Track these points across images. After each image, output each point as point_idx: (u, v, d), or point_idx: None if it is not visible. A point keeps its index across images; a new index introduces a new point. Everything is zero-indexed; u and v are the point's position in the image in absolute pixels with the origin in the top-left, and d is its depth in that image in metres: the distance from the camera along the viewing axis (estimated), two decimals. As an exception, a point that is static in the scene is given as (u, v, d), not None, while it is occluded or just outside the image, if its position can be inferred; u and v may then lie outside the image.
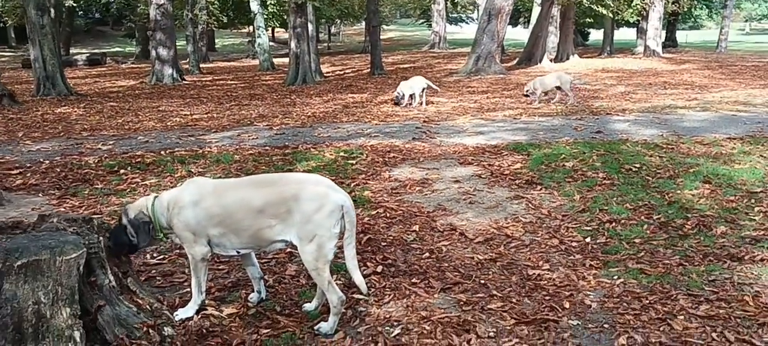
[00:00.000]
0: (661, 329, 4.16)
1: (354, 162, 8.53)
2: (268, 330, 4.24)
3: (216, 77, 27.58)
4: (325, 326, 4.26)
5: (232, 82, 25.09)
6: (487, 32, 25.26)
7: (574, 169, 7.88)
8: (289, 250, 5.46)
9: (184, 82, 25.36)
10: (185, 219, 4.32)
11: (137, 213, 4.48)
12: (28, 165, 8.89)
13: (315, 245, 4.11)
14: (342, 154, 9.00)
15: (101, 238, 4.34)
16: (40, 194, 7.47)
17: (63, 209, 6.80)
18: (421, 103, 15.05)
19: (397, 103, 15.10)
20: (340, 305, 4.22)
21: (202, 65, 32.27)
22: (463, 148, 9.44)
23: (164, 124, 12.74)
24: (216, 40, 52.60)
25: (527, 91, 15.21)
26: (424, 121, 12.24)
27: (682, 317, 4.29)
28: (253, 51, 40.35)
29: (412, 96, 15.18)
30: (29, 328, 3.84)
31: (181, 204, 4.35)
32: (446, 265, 5.25)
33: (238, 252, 4.52)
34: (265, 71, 30.43)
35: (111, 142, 10.57)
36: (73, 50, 43.08)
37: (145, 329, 4.17)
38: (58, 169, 8.60)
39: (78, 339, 3.91)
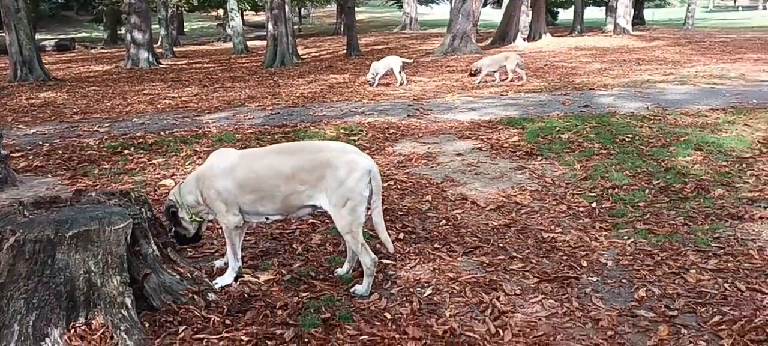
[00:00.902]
0: (676, 282, 4.46)
1: (356, 138, 8.73)
2: (307, 293, 4.44)
3: (191, 61, 27.42)
4: (360, 288, 4.48)
5: (209, 65, 24.99)
6: (463, 12, 25.50)
7: (570, 141, 8.18)
8: (311, 221, 5.66)
9: (160, 65, 25.19)
10: (216, 189, 4.50)
11: (166, 204, 4.72)
12: (29, 148, 8.92)
13: (348, 209, 4.32)
14: (342, 131, 9.19)
15: (142, 209, 4.51)
16: (49, 175, 7.55)
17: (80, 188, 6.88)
18: (403, 82, 15.18)
19: (371, 84, 15.18)
20: (373, 266, 4.44)
21: (174, 49, 32.00)
22: (459, 123, 9.68)
23: (155, 107, 12.78)
24: (184, 24, 52.03)
25: (476, 70, 15.32)
26: (414, 99, 12.46)
27: (694, 270, 4.59)
28: (224, 34, 40.05)
29: (388, 73, 15.29)
30: (81, 296, 4.00)
31: (210, 175, 4.54)
32: (464, 231, 5.50)
33: (267, 219, 4.71)
34: (239, 54, 30.26)
35: (106, 125, 10.61)
36: (38, 36, 42.24)
37: (190, 295, 4.36)
38: (61, 152, 8.66)
39: (129, 305, 4.08)
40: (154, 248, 4.46)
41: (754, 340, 3.70)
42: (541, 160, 7.50)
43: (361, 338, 3.90)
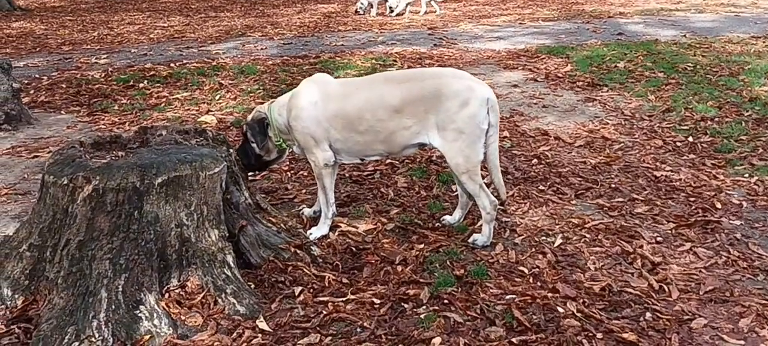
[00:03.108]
0: (834, 224, 4.00)
1: (394, 70, 8.03)
2: (422, 246, 3.87)
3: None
4: (480, 238, 3.93)
5: (176, -8, 23.51)
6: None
7: (628, 71, 7.64)
8: (389, 161, 5.05)
9: (128, -7, 23.67)
10: (305, 121, 3.87)
11: (254, 115, 4.05)
12: (26, 82, 8.02)
13: (464, 146, 3.73)
14: (373, 61, 8.48)
15: (231, 149, 3.85)
16: (62, 112, 6.74)
17: (104, 126, 6.13)
18: (403, 13, 14.22)
19: (361, 13, 14.29)
20: (494, 211, 3.88)
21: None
22: (495, 52, 9.04)
23: (148, 37, 11.81)
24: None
25: (359, 7, 14.27)
26: (429, 29, 11.72)
27: None
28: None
29: (383, 3, 14.35)
30: (173, 254, 3.38)
31: (301, 105, 3.90)
32: (562, 170, 4.96)
33: (363, 159, 4.11)
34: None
35: (104, 57, 9.69)
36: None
37: (292, 249, 3.74)
38: (64, 86, 7.80)
39: (231, 263, 3.48)
40: (247, 195, 3.82)
41: None
42: (608, 91, 6.94)
43: (507, 297, 3.37)
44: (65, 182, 3.26)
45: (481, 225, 3.95)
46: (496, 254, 3.81)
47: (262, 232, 3.77)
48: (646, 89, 6.84)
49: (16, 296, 3.37)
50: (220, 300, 3.33)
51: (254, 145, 4.04)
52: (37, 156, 5.32)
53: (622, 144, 5.45)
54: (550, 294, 3.38)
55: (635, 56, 8.24)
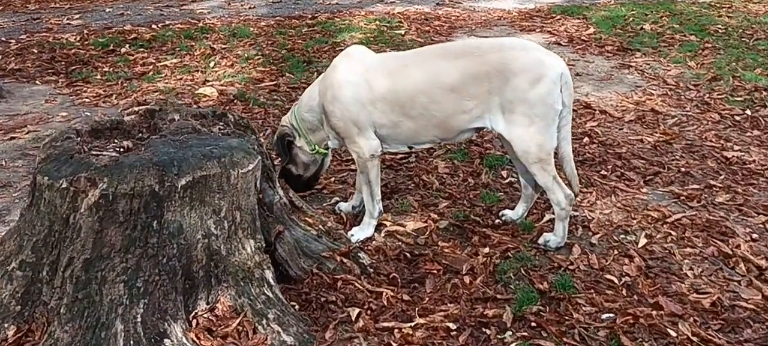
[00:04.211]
0: None
1: (402, 32, 7.36)
2: (486, 249, 3.30)
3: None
4: (553, 239, 3.37)
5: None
6: None
7: (657, 33, 7.07)
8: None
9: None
10: (345, 103, 3.25)
11: (278, 131, 3.52)
12: (-9, 46, 7.19)
13: (536, 131, 3.16)
14: (377, 23, 7.77)
15: (259, 138, 3.20)
16: (36, 82, 5.96)
17: (88, 100, 5.40)
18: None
19: None
20: (569, 206, 3.34)
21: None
22: (505, 13, 8.39)
23: (120, -6, 10.87)
24: None
25: None
26: (425, -15, 10.96)
27: None
28: None
29: None
30: (199, 271, 2.76)
31: (338, 83, 3.28)
32: (620, 151, 4.42)
33: (411, 147, 3.51)
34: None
35: (77, 17, 8.80)
36: None
37: (338, 258, 3.13)
38: (36, 51, 6.98)
39: (271, 280, 2.88)
40: (281, 193, 3.18)
41: None
42: (642, 56, 6.38)
43: (605, 316, 2.83)
44: (64, 186, 2.61)
45: (552, 222, 3.39)
46: (575, 258, 3.26)
47: (300, 237, 3.16)
48: (683, 55, 6.30)
49: (6, 325, 2.74)
50: (260, 328, 2.73)
51: (289, 166, 3.48)
52: (14, 138, 4.59)
53: (676, 118, 4.91)
54: (653, 312, 2.85)
55: (659, 17, 7.68)
